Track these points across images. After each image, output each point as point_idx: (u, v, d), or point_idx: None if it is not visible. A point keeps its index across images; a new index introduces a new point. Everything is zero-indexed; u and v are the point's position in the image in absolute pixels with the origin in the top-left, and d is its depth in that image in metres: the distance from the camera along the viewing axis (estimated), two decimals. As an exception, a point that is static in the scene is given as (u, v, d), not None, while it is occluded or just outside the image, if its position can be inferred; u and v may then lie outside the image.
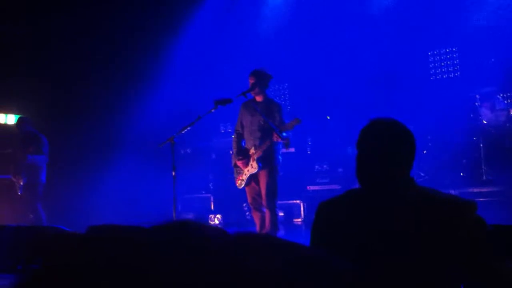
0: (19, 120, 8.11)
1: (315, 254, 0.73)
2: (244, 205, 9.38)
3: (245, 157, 5.89)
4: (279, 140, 5.57)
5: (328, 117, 9.85)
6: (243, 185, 5.93)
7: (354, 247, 1.79)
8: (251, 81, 5.85)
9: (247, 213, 9.46)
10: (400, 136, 1.86)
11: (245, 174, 5.88)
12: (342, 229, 1.86)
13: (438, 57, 9.79)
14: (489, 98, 8.43)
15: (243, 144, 6.04)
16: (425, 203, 1.76)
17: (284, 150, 6.01)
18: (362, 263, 1.74)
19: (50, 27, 9.51)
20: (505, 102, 8.33)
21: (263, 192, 5.74)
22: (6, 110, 9.69)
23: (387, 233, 1.74)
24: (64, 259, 0.69)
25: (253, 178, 5.88)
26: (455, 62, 9.59)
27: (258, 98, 5.91)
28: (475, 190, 7.63)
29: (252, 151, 5.84)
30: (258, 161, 5.75)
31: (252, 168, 5.81)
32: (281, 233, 6.02)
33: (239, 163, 5.93)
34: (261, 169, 5.76)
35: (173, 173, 5.57)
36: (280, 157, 5.88)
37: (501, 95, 8.41)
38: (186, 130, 5.73)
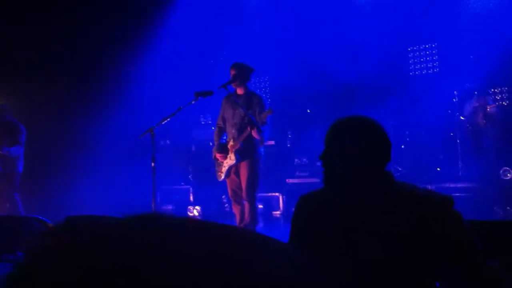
0: (-3, 108, 7.98)
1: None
2: (223, 197, 9.39)
3: (224, 149, 5.91)
4: (256, 136, 5.59)
5: (309, 111, 9.89)
6: (222, 177, 5.95)
7: (333, 241, 1.81)
8: (232, 72, 5.85)
9: (226, 205, 9.47)
10: (369, 132, 1.85)
11: (224, 167, 5.89)
12: (321, 223, 1.87)
13: (417, 53, 9.88)
14: (474, 95, 8.53)
15: (224, 138, 6.05)
16: (402, 197, 1.78)
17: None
18: (340, 258, 1.76)
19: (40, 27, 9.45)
20: (483, 99, 8.43)
21: (243, 184, 5.76)
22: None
23: (365, 228, 1.76)
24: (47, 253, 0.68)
25: (233, 170, 5.89)
26: (435, 58, 9.69)
27: (239, 91, 5.92)
28: (451, 185, 7.73)
29: (231, 143, 5.85)
30: (236, 153, 5.76)
31: (230, 160, 5.82)
32: (260, 225, 6.05)
33: (218, 156, 5.94)
34: (239, 161, 5.77)
35: (153, 164, 5.56)
36: (261, 150, 5.89)
37: (478, 92, 8.52)
38: (166, 121, 5.71)
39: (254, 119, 5.59)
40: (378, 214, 1.77)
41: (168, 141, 10.58)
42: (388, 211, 1.76)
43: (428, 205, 1.74)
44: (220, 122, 6.15)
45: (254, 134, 5.57)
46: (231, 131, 5.91)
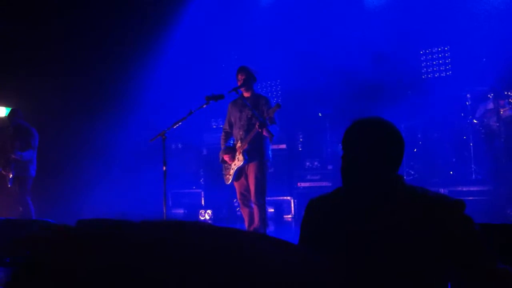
0: (10, 112, 8.04)
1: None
2: (234, 200, 9.38)
3: (232, 151, 5.90)
4: (265, 133, 5.55)
5: (320, 114, 9.87)
6: (230, 180, 5.93)
7: (342, 244, 1.79)
8: (242, 77, 5.85)
9: (237, 209, 9.46)
10: (386, 135, 1.86)
11: (232, 169, 5.87)
12: (331, 227, 1.86)
13: (430, 56, 9.83)
14: (489, 98, 8.47)
15: (231, 142, 6.04)
16: (412, 202, 1.77)
17: (273, 147, 6.01)
18: (349, 261, 1.75)
19: (49, 25, 9.52)
20: (496, 102, 8.35)
21: (252, 187, 5.74)
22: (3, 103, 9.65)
23: (375, 232, 1.75)
24: (54, 255, 0.69)
25: (242, 173, 5.87)
26: (447, 61, 9.63)
27: (246, 94, 5.92)
28: (464, 188, 7.68)
29: (238, 144, 5.84)
30: (245, 153, 5.74)
31: (238, 161, 5.80)
32: (270, 229, 6.05)
33: (226, 158, 5.93)
34: (248, 162, 5.74)
35: (164, 168, 5.57)
36: (270, 153, 5.87)
37: (492, 95, 8.45)
38: (177, 125, 5.72)
39: (262, 118, 5.57)
40: (388, 217, 1.76)
41: (179, 145, 10.61)
42: (399, 214, 1.75)
43: (439, 209, 1.73)
44: (226, 126, 6.15)
45: (263, 132, 5.54)
46: (238, 133, 5.90)
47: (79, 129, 9.74)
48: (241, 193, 5.93)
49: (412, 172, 8.72)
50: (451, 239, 1.68)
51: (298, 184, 9.33)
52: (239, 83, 5.86)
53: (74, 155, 9.64)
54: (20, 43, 9.50)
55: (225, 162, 5.97)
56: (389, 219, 1.75)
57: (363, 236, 1.75)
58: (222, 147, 6.08)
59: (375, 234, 1.74)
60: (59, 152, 9.43)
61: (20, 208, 7.51)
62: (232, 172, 5.88)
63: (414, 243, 1.69)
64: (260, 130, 5.52)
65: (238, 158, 5.81)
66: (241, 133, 5.86)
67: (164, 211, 5.53)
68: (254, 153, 5.73)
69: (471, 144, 8.11)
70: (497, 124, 8.04)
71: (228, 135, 6.10)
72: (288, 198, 9.19)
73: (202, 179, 10.25)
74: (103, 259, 0.64)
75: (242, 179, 5.88)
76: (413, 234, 1.70)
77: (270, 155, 5.88)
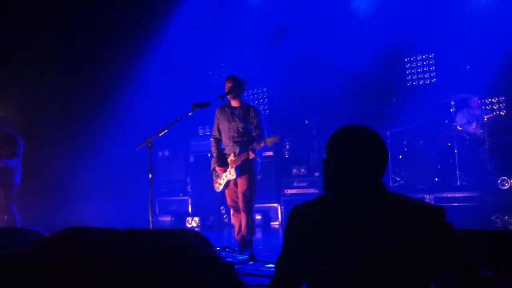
0: (-5, 120, 7.96)
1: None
2: (222, 207, 9.38)
3: (224, 162, 5.90)
4: (253, 156, 5.65)
5: (307, 121, 9.90)
6: (221, 189, 5.95)
7: (325, 252, 1.80)
8: (229, 85, 5.86)
9: (224, 216, 9.46)
10: (377, 141, 1.88)
11: (223, 179, 5.89)
12: (320, 232, 1.87)
13: (414, 63, 9.93)
14: (466, 105, 8.59)
15: (222, 149, 6.04)
16: (393, 208, 1.78)
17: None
18: (333, 268, 1.76)
19: (34, 29, 9.47)
20: (481, 108, 8.45)
21: (240, 195, 5.76)
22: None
23: (357, 239, 1.76)
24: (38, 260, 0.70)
25: (232, 181, 5.89)
26: (431, 68, 9.73)
27: (234, 103, 5.92)
28: (449, 195, 7.74)
29: (231, 158, 5.84)
30: (237, 168, 5.76)
31: (230, 174, 5.83)
32: (258, 236, 6.04)
33: (218, 169, 5.94)
34: (239, 175, 5.78)
35: (150, 176, 5.55)
36: (259, 160, 5.89)
37: (476, 102, 8.55)
38: (163, 133, 5.71)
39: (257, 137, 5.62)
40: (371, 223, 1.77)
41: (166, 152, 10.58)
42: (381, 220, 1.76)
43: (420, 215, 1.74)
44: (215, 133, 6.15)
45: (251, 156, 5.64)
46: (228, 144, 5.91)
47: (65, 136, 9.68)
48: (232, 200, 5.94)
49: (398, 179, 8.77)
50: (431, 244, 1.70)
51: (285, 191, 9.34)
52: (226, 91, 5.87)
53: (60, 162, 9.56)
54: (9, 47, 9.43)
55: (216, 171, 5.99)
56: (383, 222, 1.76)
57: (358, 240, 1.76)
58: (214, 154, 6.07)
59: (371, 238, 1.74)
60: (45, 160, 9.35)
61: (5, 217, 7.43)
62: (223, 182, 5.90)
63: (396, 248, 1.71)
64: (252, 156, 5.60)
65: (230, 171, 5.83)
66: (231, 144, 5.87)
67: (151, 218, 5.51)
68: (245, 165, 5.76)
69: (456, 151, 8.18)
70: (481, 131, 8.14)
71: (218, 142, 6.10)
72: (275, 205, 9.20)
73: (189, 186, 10.23)
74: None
75: (233, 186, 5.90)
76: (395, 239, 1.72)
77: (259, 162, 5.93)
